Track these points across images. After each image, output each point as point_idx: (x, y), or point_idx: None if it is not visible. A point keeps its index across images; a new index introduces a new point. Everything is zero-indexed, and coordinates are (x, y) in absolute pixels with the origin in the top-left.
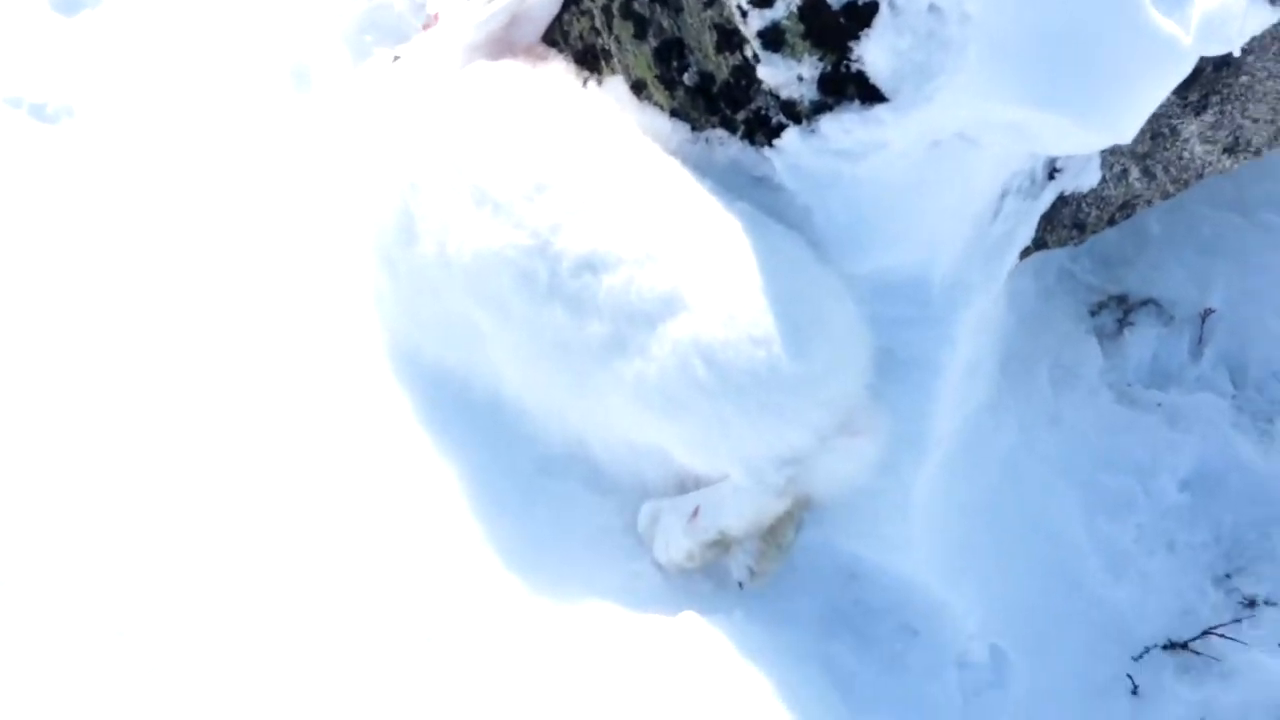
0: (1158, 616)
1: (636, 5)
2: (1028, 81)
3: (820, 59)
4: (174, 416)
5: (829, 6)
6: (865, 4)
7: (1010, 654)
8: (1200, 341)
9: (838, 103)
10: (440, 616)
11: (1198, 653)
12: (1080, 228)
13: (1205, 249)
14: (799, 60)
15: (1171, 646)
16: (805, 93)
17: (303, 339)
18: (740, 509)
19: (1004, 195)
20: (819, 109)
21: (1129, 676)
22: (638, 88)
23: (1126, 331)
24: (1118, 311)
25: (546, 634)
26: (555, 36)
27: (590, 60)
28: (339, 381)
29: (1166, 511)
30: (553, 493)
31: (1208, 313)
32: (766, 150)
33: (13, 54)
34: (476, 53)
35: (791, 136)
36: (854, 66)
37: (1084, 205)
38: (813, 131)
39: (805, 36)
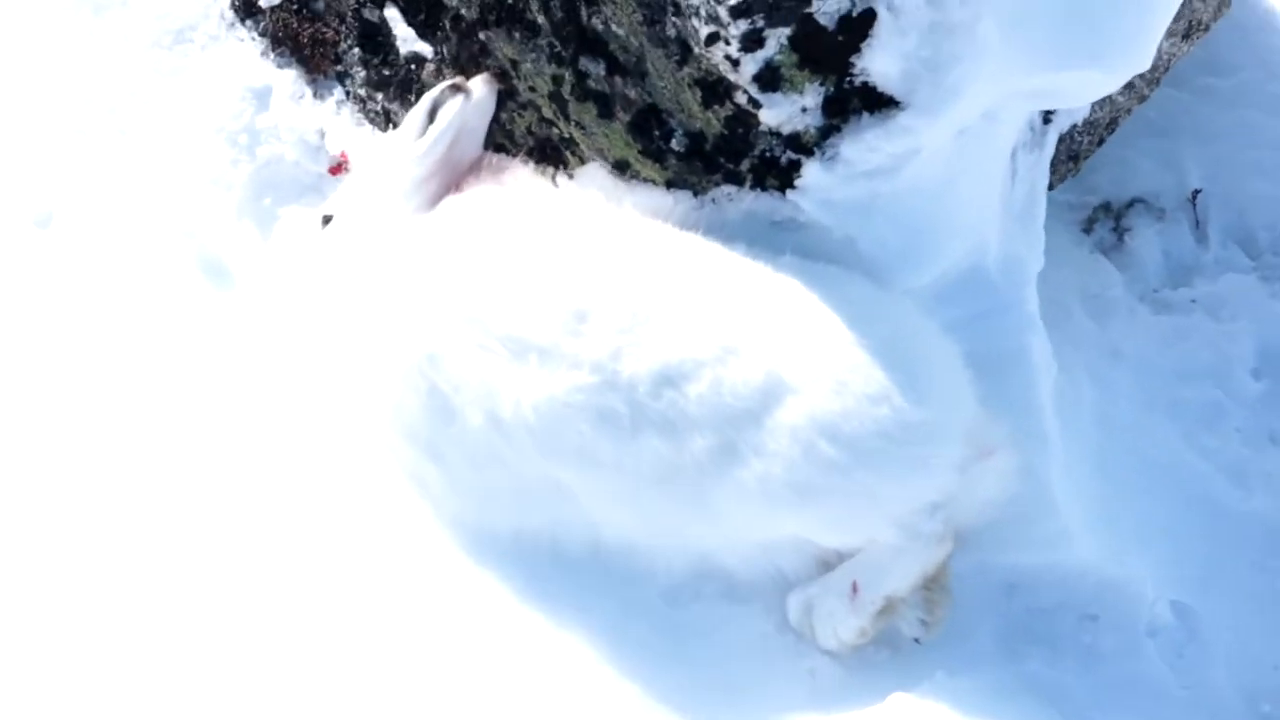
0: None
1: (592, 83)
2: (1048, 42)
3: (821, 84)
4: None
5: (822, 28)
6: (861, 15)
7: (1191, 604)
8: (1199, 225)
9: (844, 122)
10: None
11: None
12: (1075, 158)
13: (1160, 132)
14: (801, 93)
15: None
16: (810, 122)
17: (361, 566)
18: (905, 569)
19: (1014, 155)
20: (826, 133)
21: None
22: (620, 168)
23: (1127, 239)
24: (1109, 222)
25: None
26: (499, 140)
27: (550, 154)
28: (427, 595)
29: (1254, 404)
30: (694, 620)
31: (1196, 194)
32: (790, 193)
33: None
34: (428, 185)
35: (813, 172)
36: (858, 80)
37: (1076, 136)
38: (833, 160)
39: (802, 66)
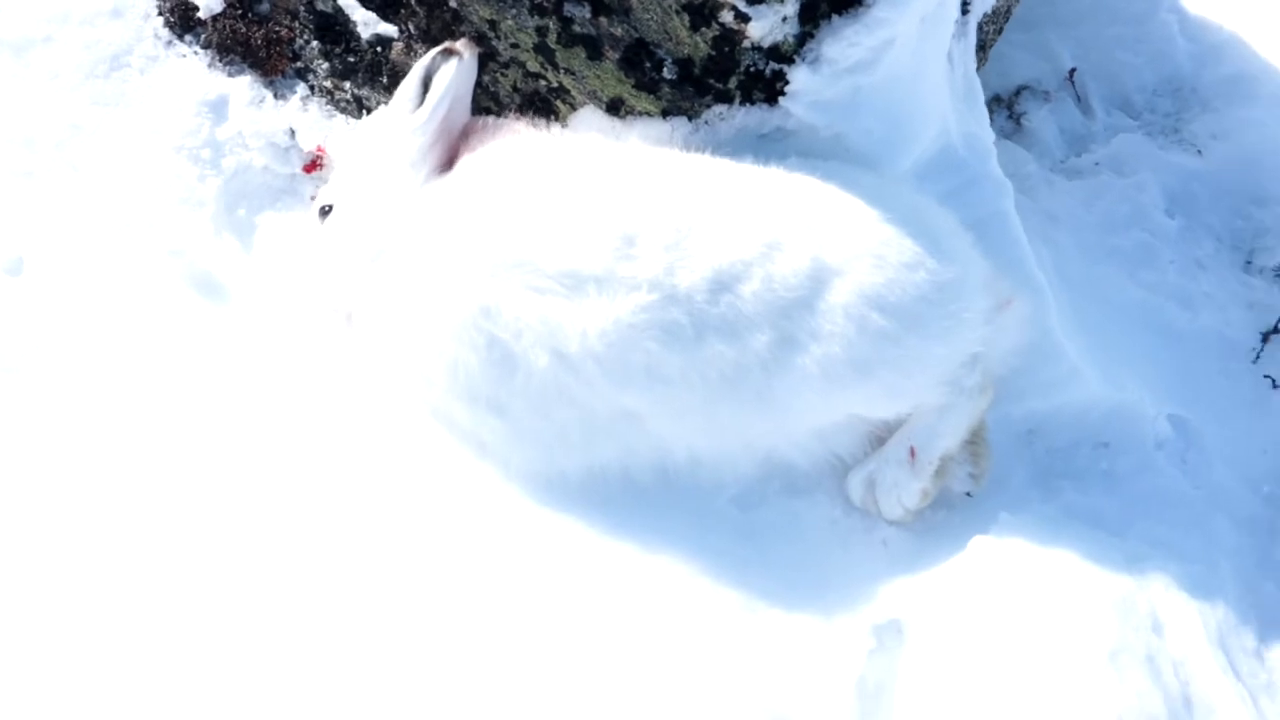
0: (1239, 320)
1: (578, 27)
2: None
3: None
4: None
5: None
6: None
7: (1183, 415)
8: (1081, 99)
9: (816, 27)
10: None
11: None
12: (983, 48)
13: (1027, 25)
14: (782, 1)
15: (1268, 336)
16: (789, 30)
17: (439, 539)
18: (955, 425)
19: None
20: (802, 40)
21: (1267, 377)
22: (614, 106)
23: (1024, 122)
24: (1004, 110)
25: (866, 630)
26: (484, 104)
27: (540, 107)
28: (512, 547)
29: (1176, 239)
30: (767, 520)
31: (1072, 72)
32: (781, 100)
33: None
34: (433, 153)
35: (801, 76)
36: None
37: (984, 27)
38: (817, 61)
39: None
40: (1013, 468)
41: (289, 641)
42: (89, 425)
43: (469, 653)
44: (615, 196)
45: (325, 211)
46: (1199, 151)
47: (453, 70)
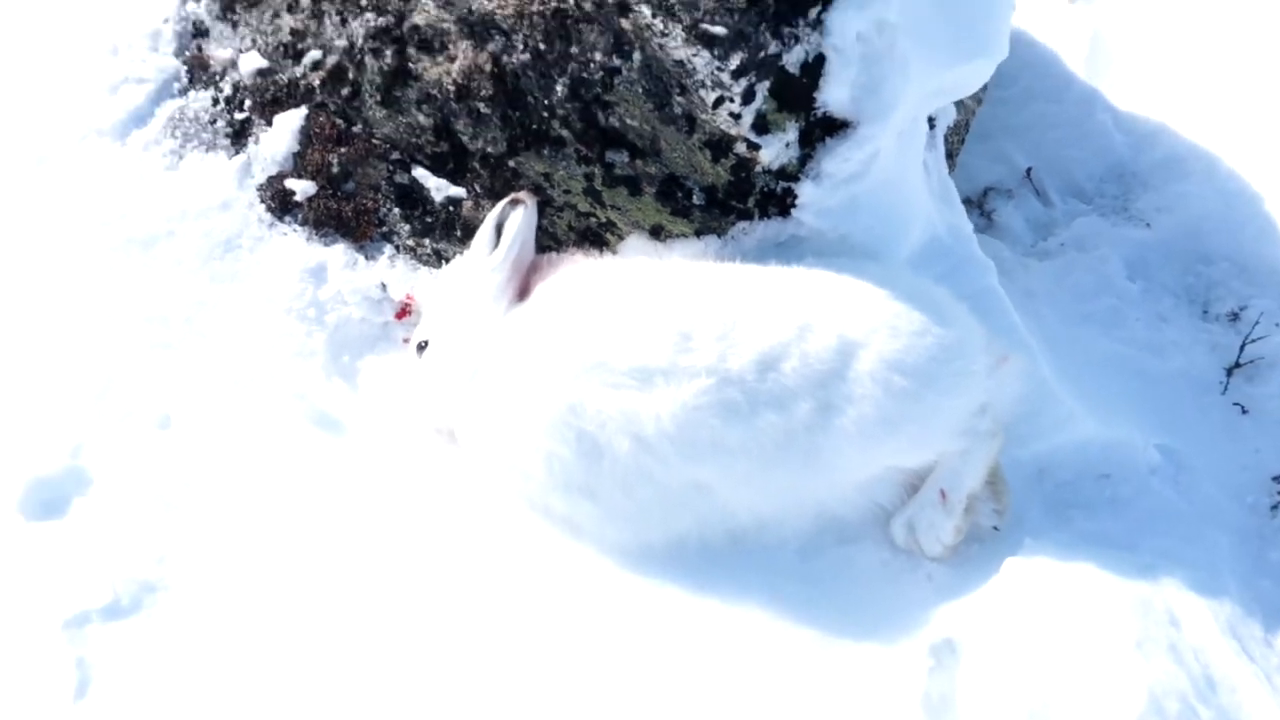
0: (1204, 361)
1: (619, 170)
2: (947, 46)
3: (796, 120)
4: None
5: (791, 75)
6: (814, 59)
7: (1171, 444)
8: (1040, 193)
9: (813, 149)
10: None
11: (1250, 361)
12: (951, 156)
13: (983, 137)
14: (784, 130)
15: (1231, 370)
16: (792, 155)
17: (548, 616)
18: (976, 466)
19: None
20: (804, 161)
21: (1236, 404)
22: (655, 232)
23: (995, 218)
24: (975, 210)
25: (924, 651)
26: (544, 243)
27: (592, 240)
28: (611, 612)
29: (1139, 299)
30: (827, 566)
31: (1029, 171)
32: (793, 212)
33: None
34: (510, 287)
35: (807, 190)
36: (820, 112)
37: (949, 138)
38: (819, 176)
39: (780, 109)
40: (1029, 504)
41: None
42: (241, 546)
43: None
44: (669, 301)
45: (422, 347)
46: (1148, 224)
47: (520, 216)
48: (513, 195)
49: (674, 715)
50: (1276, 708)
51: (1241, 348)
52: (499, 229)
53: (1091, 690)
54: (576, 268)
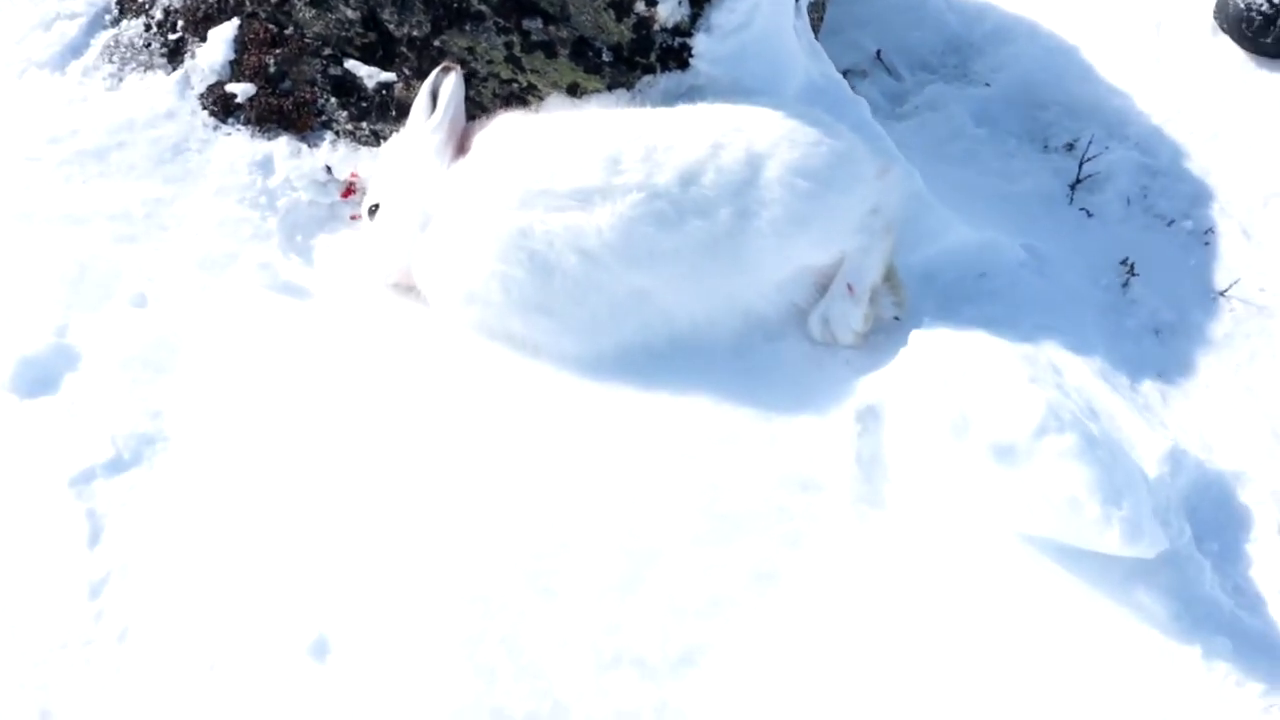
0: (1050, 181)
1: (535, 36)
2: None
3: None
4: None
5: None
6: None
7: (1034, 244)
8: (891, 71)
9: (703, 7)
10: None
11: (1089, 176)
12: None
13: (832, 30)
14: None
15: (1074, 185)
16: (684, 12)
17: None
18: (875, 260)
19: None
20: (695, 18)
21: (1082, 209)
22: (572, 90)
23: (857, 92)
24: None
25: (852, 418)
26: (472, 113)
27: (516, 103)
28: (578, 411)
29: (988, 141)
30: (759, 360)
31: (879, 53)
32: (691, 63)
33: None
34: (448, 147)
35: (701, 42)
36: None
37: (811, 16)
38: (709, 28)
39: None
40: (922, 301)
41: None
42: (230, 397)
43: (564, 468)
44: (598, 133)
45: (374, 210)
46: (987, 84)
47: (453, 80)
48: (443, 64)
49: (637, 487)
50: (1149, 430)
51: (1080, 165)
52: (434, 95)
53: (999, 406)
54: (509, 119)
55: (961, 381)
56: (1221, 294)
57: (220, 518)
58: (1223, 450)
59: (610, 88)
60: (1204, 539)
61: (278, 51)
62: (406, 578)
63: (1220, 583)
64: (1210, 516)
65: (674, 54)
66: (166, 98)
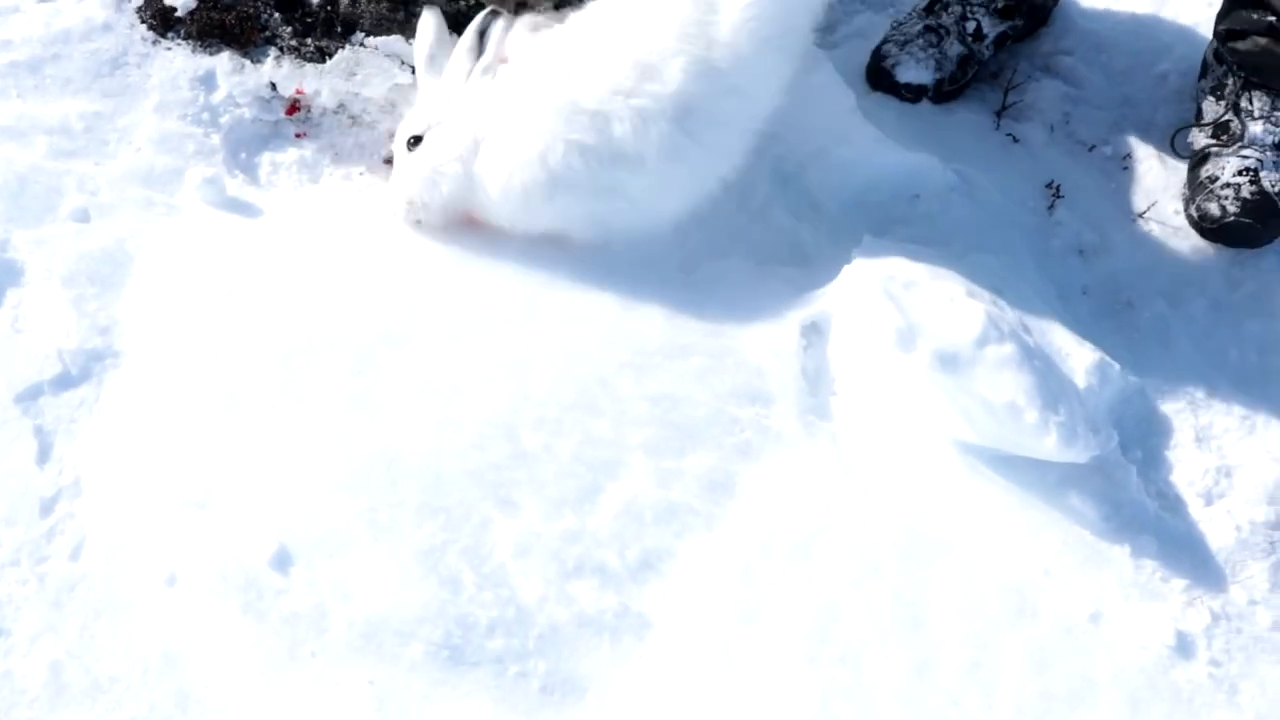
0: (979, 110)
1: None
2: None
3: None
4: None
5: None
6: None
7: (963, 168)
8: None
9: None
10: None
11: (1014, 103)
12: None
13: None
14: None
15: (1000, 113)
16: None
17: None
18: None
19: None
20: None
21: (1009, 135)
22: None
23: None
24: None
25: (797, 332)
26: None
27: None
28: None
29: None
30: (706, 275)
31: None
32: None
33: None
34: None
35: None
36: None
37: None
38: None
39: None
40: (856, 226)
41: None
42: (180, 310)
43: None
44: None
45: (415, 141)
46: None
47: (501, 23)
48: (490, 8)
49: (594, 398)
50: (1078, 342)
51: (1005, 93)
52: (481, 36)
53: (942, 318)
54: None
55: (906, 295)
56: (1140, 216)
57: (174, 433)
58: (1144, 362)
59: None
60: (1129, 447)
61: None
62: (367, 491)
63: (1145, 487)
64: (1134, 425)
65: None
66: (102, 10)
